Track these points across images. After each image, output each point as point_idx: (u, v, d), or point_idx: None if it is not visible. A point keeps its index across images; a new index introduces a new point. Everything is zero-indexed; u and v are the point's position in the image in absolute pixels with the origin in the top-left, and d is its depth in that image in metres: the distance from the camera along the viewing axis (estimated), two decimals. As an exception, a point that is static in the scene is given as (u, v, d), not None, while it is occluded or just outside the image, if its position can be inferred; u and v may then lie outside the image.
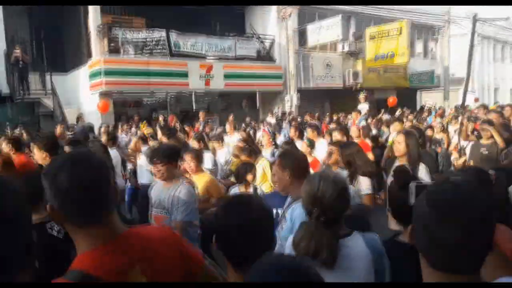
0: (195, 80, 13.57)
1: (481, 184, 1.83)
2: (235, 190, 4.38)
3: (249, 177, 4.36)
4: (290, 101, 15.93)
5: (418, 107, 19.87)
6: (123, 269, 1.16)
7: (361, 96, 14.10)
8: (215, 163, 5.97)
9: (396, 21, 17.25)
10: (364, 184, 3.67)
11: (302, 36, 16.93)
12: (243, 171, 4.40)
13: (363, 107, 13.05)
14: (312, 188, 1.77)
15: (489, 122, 5.32)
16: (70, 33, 14.62)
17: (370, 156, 5.71)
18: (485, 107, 10.11)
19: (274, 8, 15.80)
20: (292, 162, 2.51)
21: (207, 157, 5.87)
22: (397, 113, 15.18)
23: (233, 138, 7.68)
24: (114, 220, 1.23)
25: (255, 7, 16.38)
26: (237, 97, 17.27)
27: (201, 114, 12.10)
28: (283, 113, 14.19)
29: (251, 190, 4.34)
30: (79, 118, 11.80)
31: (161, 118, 11.45)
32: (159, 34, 12.87)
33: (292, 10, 15.53)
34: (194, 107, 14.29)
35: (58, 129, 9.77)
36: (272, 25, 16.18)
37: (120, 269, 1.16)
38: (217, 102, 17.07)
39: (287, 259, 1.03)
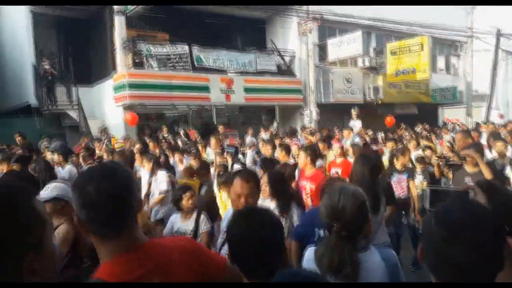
0: (216, 94, 13.76)
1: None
2: (174, 217, 4.10)
3: (185, 201, 3.93)
4: (310, 116, 15.95)
5: (440, 123, 19.58)
6: (139, 278, 1.20)
7: (353, 112, 13.58)
8: (172, 185, 5.60)
9: (417, 36, 17.18)
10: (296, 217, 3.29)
11: (322, 51, 17.01)
12: (177, 196, 4.04)
13: (356, 124, 12.46)
14: (333, 202, 1.76)
15: (478, 146, 4.40)
16: (96, 47, 15.06)
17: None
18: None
19: (294, 23, 15.97)
20: None
21: (163, 178, 5.62)
22: (418, 129, 15.06)
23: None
24: (136, 231, 1.28)
25: (276, 22, 16.58)
26: (257, 111, 17.40)
27: (220, 128, 12.29)
28: (302, 127, 14.19)
29: (192, 216, 3.95)
30: (103, 130, 12.11)
31: (182, 132, 11.65)
32: (182, 48, 13.15)
33: (312, 26, 15.65)
34: (214, 121, 14.47)
35: (83, 141, 10.08)
36: (293, 40, 16.33)
37: (136, 279, 1.19)
38: (237, 116, 17.22)
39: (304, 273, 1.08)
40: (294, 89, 15.87)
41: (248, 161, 8.64)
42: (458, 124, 15.61)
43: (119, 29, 12.69)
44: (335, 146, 6.69)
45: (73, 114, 13.34)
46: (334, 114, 18.15)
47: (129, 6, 12.33)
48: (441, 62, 22.11)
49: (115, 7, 12.57)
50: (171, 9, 13.53)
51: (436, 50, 20.81)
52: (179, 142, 10.91)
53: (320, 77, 16.43)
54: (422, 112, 20.01)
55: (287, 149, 6.30)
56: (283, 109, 16.65)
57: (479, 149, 4.24)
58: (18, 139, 8.96)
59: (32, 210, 0.90)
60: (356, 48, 15.84)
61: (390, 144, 7.92)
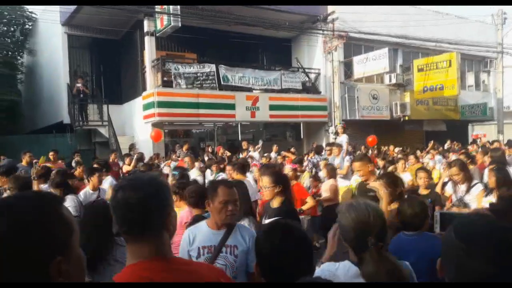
0: (241, 111, 13.95)
1: None
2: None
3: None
4: (334, 133, 15.89)
5: (470, 140, 19.12)
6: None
7: (338, 127, 12.88)
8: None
9: (444, 53, 16.97)
10: None
11: (347, 68, 17.02)
12: None
13: (342, 140, 11.75)
14: (364, 216, 1.77)
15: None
16: (127, 67, 15.60)
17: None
18: None
19: (320, 41, 16.09)
20: None
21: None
22: (446, 145, 14.76)
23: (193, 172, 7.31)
24: (160, 244, 1.33)
25: (302, 41, 16.75)
26: (281, 128, 17.50)
27: (244, 144, 12.40)
28: (329, 144, 14.11)
29: None
30: (131, 147, 12.44)
31: (209, 149, 11.86)
32: (209, 68, 13.45)
33: (338, 44, 15.72)
34: (239, 137, 14.64)
35: (112, 157, 10.40)
36: (318, 57, 16.43)
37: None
38: (261, 133, 17.36)
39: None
40: (319, 106, 15.89)
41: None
42: (478, 140, 15.01)
43: (149, 49, 13.14)
44: (287, 167, 6.26)
45: (103, 131, 13.77)
46: (360, 131, 18.02)
47: (158, 27, 12.76)
48: (470, 79, 21.68)
49: (146, 28, 13.05)
50: (199, 30, 13.92)
51: (465, 67, 20.46)
52: (206, 158, 11.11)
53: (345, 94, 16.40)
54: (452, 129, 19.62)
55: (241, 169, 6.03)
56: (308, 126, 16.68)
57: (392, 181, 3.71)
58: (51, 154, 9.31)
59: (60, 216, 0.98)
60: (382, 64, 15.77)
61: (382, 163, 8.01)
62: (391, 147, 13.92)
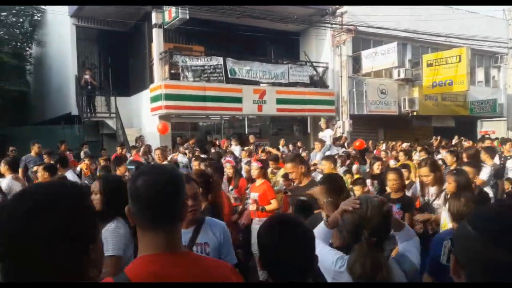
0: (249, 105, 13.93)
1: None
2: None
3: None
4: (342, 127, 15.83)
5: (478, 136, 18.96)
6: (160, 282, 1.22)
7: (322, 122, 12.44)
8: None
9: (454, 48, 16.79)
10: None
11: (356, 62, 16.91)
12: None
13: (326, 134, 11.27)
14: (361, 212, 1.84)
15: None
16: (135, 59, 15.62)
17: None
18: None
19: (328, 35, 15.98)
20: None
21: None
22: (454, 141, 14.65)
23: None
24: (175, 237, 1.33)
25: (310, 34, 16.64)
26: (288, 122, 17.46)
27: (251, 138, 12.39)
28: (335, 138, 14.08)
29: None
30: (138, 139, 12.49)
31: (216, 142, 11.91)
32: (217, 61, 13.43)
33: (346, 38, 15.60)
34: (246, 131, 14.64)
35: (118, 150, 10.45)
36: (326, 51, 16.33)
37: (157, 282, 1.22)
38: (268, 126, 17.34)
39: None
40: (327, 100, 15.82)
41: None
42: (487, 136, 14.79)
43: (156, 42, 13.13)
44: (253, 165, 5.60)
45: (111, 123, 13.83)
46: (367, 126, 17.94)
47: (166, 19, 12.75)
48: (480, 74, 21.44)
49: (154, 21, 13.04)
50: (206, 22, 13.88)
51: (475, 62, 20.23)
52: (212, 151, 11.12)
53: (353, 88, 16.30)
54: (460, 125, 19.46)
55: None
56: (315, 120, 16.62)
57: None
58: (62, 146, 9.41)
59: (92, 207, 1.02)
60: (391, 59, 15.65)
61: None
62: (399, 143, 13.82)
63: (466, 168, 4.06)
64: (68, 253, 0.90)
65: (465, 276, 1.00)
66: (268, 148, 10.90)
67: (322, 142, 9.94)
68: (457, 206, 2.66)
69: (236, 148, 10.93)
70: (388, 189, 4.56)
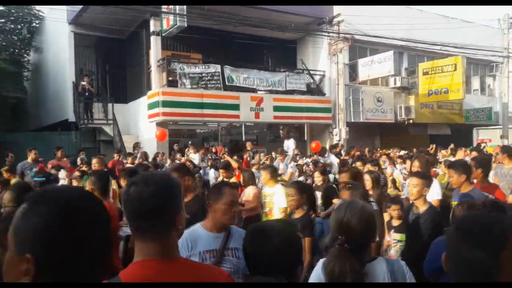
0: (246, 112, 13.98)
1: None
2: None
3: None
4: (339, 135, 15.89)
5: (474, 144, 19.04)
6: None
7: (281, 131, 11.47)
8: None
9: (450, 56, 16.94)
10: None
11: (352, 70, 17.02)
12: None
13: (289, 145, 10.47)
14: (339, 216, 1.87)
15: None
16: (132, 66, 15.66)
17: None
18: None
19: (325, 43, 16.10)
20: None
21: None
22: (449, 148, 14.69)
23: None
24: (166, 245, 1.32)
25: (307, 42, 16.76)
26: (285, 129, 17.49)
27: (248, 145, 12.41)
28: (332, 146, 14.12)
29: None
30: (135, 146, 12.49)
31: (213, 149, 11.89)
32: (214, 68, 13.49)
33: (343, 46, 15.72)
34: (243, 138, 14.67)
35: (115, 157, 10.44)
36: (323, 59, 16.43)
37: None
38: (265, 134, 17.38)
39: None
40: (323, 108, 15.90)
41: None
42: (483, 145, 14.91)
43: (154, 49, 13.19)
44: (210, 172, 5.90)
45: (108, 129, 13.83)
46: (364, 133, 18.03)
47: (164, 27, 12.82)
48: (475, 83, 21.62)
49: (152, 28, 13.11)
50: (204, 30, 13.96)
51: (470, 71, 20.42)
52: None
53: (350, 96, 16.40)
54: (456, 133, 19.57)
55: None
56: (312, 127, 16.69)
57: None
58: (59, 152, 9.37)
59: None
60: (387, 67, 15.77)
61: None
62: (395, 150, 13.87)
63: (413, 180, 3.63)
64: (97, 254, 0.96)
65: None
66: (226, 157, 9.04)
67: (283, 152, 9.57)
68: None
69: (195, 156, 10.49)
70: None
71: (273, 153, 11.02)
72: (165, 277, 1.26)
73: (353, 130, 16.43)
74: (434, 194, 4.40)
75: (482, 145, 14.99)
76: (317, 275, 1.89)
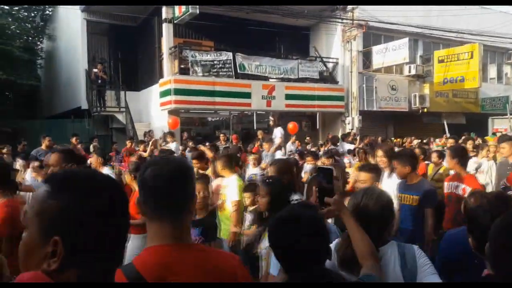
0: (257, 100, 13.90)
1: None
2: None
3: None
4: (351, 123, 15.74)
5: (490, 134, 18.71)
6: (166, 277, 1.22)
7: (270, 119, 10.66)
8: None
9: (466, 44, 16.57)
10: None
11: (366, 58, 16.77)
12: None
13: (277, 133, 9.75)
14: (356, 202, 1.91)
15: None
16: (144, 54, 15.67)
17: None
18: None
19: (339, 30, 15.86)
20: None
21: None
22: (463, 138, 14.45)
23: None
24: (181, 228, 1.32)
25: (320, 29, 16.53)
26: (297, 118, 17.38)
27: (259, 133, 12.36)
28: (344, 135, 13.99)
29: None
30: (146, 133, 12.54)
31: (222, 137, 11.81)
32: (226, 56, 13.41)
33: (357, 33, 15.48)
34: (255, 127, 14.62)
35: (128, 144, 10.52)
36: (336, 47, 16.21)
37: (162, 276, 1.22)
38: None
39: None
40: (336, 96, 15.73)
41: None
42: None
43: (166, 36, 13.13)
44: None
45: (121, 117, 13.90)
46: (377, 122, 17.83)
47: (177, 14, 12.74)
48: (492, 71, 21.15)
49: (164, 15, 13.04)
50: (216, 17, 13.85)
51: (487, 58, 19.97)
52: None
53: (363, 84, 16.18)
54: (471, 122, 19.25)
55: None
56: (324, 116, 16.55)
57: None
58: (74, 139, 9.47)
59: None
60: (402, 55, 15.48)
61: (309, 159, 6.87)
62: (410, 139, 13.69)
63: (361, 175, 3.35)
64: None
65: None
66: (201, 147, 8.50)
67: (270, 141, 9.04)
68: None
69: (172, 145, 9.74)
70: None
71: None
72: (181, 264, 1.26)
73: (366, 119, 16.24)
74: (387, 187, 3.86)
75: (495, 132, 14.65)
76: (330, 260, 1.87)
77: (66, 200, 0.88)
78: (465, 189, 3.92)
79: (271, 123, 10.45)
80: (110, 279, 0.95)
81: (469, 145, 7.71)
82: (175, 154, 8.44)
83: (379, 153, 4.54)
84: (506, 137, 5.46)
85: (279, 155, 8.26)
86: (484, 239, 1.22)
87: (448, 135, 13.15)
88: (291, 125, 11.99)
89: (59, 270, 0.85)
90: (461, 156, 4.30)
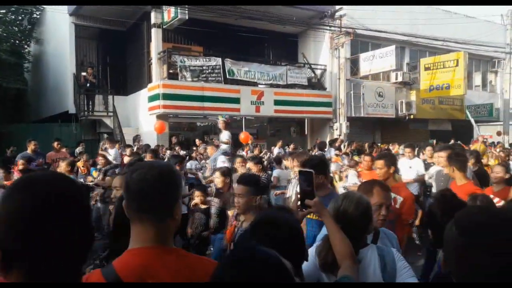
0: (246, 106, 13.96)
1: None
2: None
3: None
4: (339, 129, 15.88)
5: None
6: (144, 279, 1.23)
7: (220, 121, 9.49)
8: None
9: (452, 52, 16.87)
10: None
11: (354, 65, 16.96)
12: None
13: (222, 138, 9.04)
14: (336, 206, 1.96)
15: None
16: (133, 58, 15.62)
17: None
18: None
19: (327, 37, 16.03)
20: None
21: None
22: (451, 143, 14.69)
23: None
24: (163, 233, 1.33)
25: (309, 36, 16.69)
26: (286, 124, 17.49)
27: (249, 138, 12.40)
28: (332, 140, 14.10)
29: None
30: (135, 138, 12.49)
31: (197, 142, 11.90)
32: (215, 61, 13.45)
33: (345, 40, 15.67)
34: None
35: (116, 147, 10.45)
36: (324, 53, 16.38)
37: (141, 279, 1.23)
38: (266, 127, 17.36)
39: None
40: (324, 102, 15.86)
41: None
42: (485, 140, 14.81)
43: (155, 41, 13.14)
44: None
45: (109, 121, 13.82)
46: (364, 128, 18.02)
47: (166, 19, 12.76)
48: (477, 79, 21.55)
49: (153, 20, 13.05)
50: (205, 23, 13.90)
51: (472, 66, 20.34)
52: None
53: (351, 90, 16.35)
54: (457, 128, 19.56)
55: None
56: (312, 122, 16.67)
57: None
58: (56, 143, 9.37)
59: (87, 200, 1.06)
60: (389, 62, 15.69)
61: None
62: (396, 146, 13.85)
63: (237, 188, 3.06)
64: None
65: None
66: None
67: (213, 145, 8.55)
68: None
69: (111, 151, 9.27)
70: None
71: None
72: (161, 267, 1.26)
73: (354, 125, 16.40)
74: None
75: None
76: (312, 262, 1.90)
77: (10, 208, 0.88)
78: (396, 199, 3.59)
79: (220, 126, 9.38)
80: (70, 279, 0.94)
81: (427, 151, 7.70)
82: (114, 161, 8.40)
83: (295, 163, 4.92)
84: (444, 147, 5.47)
85: (220, 160, 7.68)
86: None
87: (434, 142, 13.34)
88: (242, 135, 11.47)
89: (7, 270, 0.86)
90: (396, 165, 4.14)
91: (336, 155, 10.25)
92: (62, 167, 6.18)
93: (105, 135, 12.80)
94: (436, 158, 5.45)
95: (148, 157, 8.95)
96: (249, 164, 6.32)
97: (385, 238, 2.32)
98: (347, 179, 6.81)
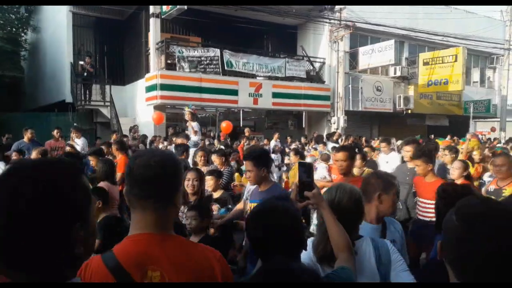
0: (244, 98, 13.91)
1: None
2: None
3: None
4: (337, 123, 15.88)
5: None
6: (145, 265, 1.23)
7: (186, 111, 8.61)
8: None
9: (451, 47, 16.85)
10: None
11: (353, 58, 16.91)
12: None
13: (190, 128, 8.38)
14: (330, 197, 1.96)
15: None
16: (131, 48, 15.51)
17: None
18: None
19: (326, 30, 15.97)
20: None
21: None
22: (447, 138, 14.73)
23: None
24: (163, 219, 1.33)
25: (308, 29, 16.61)
26: (283, 116, 17.47)
27: (246, 131, 12.39)
28: (329, 134, 14.10)
29: None
30: (132, 128, 12.45)
31: (211, 134, 11.82)
32: (213, 52, 13.37)
33: (344, 33, 15.60)
34: (241, 124, 14.62)
35: (113, 137, 10.40)
36: (324, 46, 16.32)
37: (141, 265, 1.23)
38: (263, 120, 17.34)
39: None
40: (322, 96, 15.83)
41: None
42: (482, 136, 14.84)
43: (153, 31, 13.03)
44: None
45: (105, 111, 13.75)
46: (362, 122, 18.03)
47: (164, 9, 12.65)
48: (475, 74, 21.56)
49: (151, 10, 12.94)
50: (204, 13, 13.80)
51: (471, 62, 20.34)
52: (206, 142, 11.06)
53: (349, 84, 16.33)
54: (454, 124, 19.60)
55: None
56: (310, 115, 16.65)
57: None
58: (56, 132, 9.30)
59: (81, 184, 0.98)
60: (388, 56, 15.68)
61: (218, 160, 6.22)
62: (393, 140, 13.86)
63: None
64: (47, 226, 0.89)
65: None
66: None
67: (184, 137, 7.79)
68: None
69: (79, 141, 8.99)
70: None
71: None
72: (161, 253, 1.27)
73: (351, 119, 16.41)
74: None
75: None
76: (307, 255, 1.89)
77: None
78: None
79: (186, 117, 8.67)
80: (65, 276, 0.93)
81: (383, 147, 7.52)
82: (82, 151, 8.28)
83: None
84: (411, 140, 5.41)
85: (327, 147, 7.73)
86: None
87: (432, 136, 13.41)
88: (224, 124, 11.35)
89: (7, 269, 0.86)
90: (353, 159, 4.01)
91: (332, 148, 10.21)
92: (33, 155, 6.21)
93: (134, 125, 12.70)
94: (404, 153, 5.40)
95: (74, 135, 9.17)
96: (213, 157, 6.23)
97: (393, 229, 2.38)
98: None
